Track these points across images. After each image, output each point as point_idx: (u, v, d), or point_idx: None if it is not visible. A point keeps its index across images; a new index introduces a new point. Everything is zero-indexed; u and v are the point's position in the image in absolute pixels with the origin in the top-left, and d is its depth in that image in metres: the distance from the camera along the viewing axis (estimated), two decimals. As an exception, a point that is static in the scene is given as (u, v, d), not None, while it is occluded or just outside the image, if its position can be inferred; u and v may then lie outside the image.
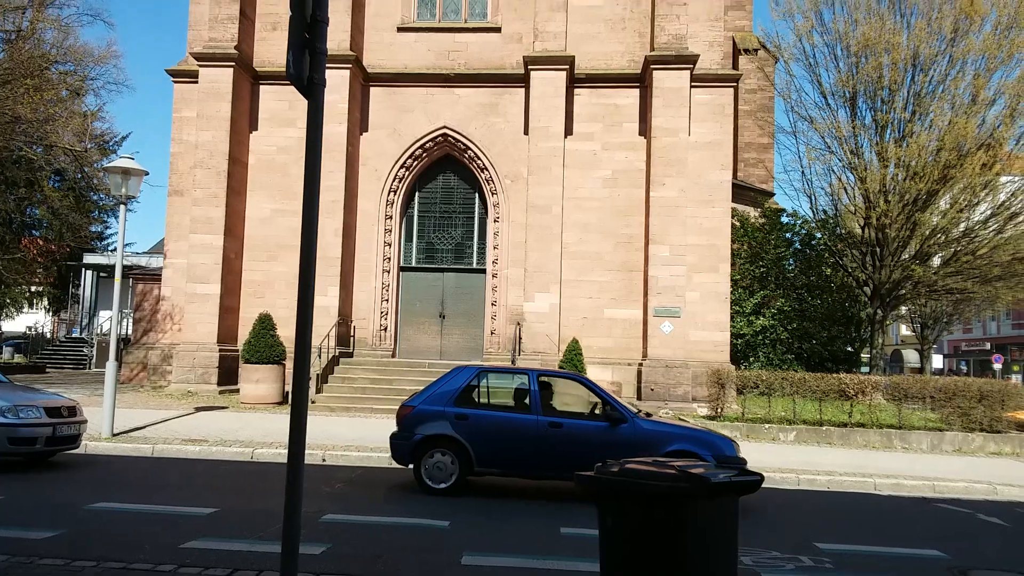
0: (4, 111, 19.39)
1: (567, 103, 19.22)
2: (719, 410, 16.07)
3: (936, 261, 23.13)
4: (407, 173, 20.43)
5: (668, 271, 18.22)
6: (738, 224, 23.90)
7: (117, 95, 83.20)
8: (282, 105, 20.25)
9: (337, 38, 18.96)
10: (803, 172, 23.98)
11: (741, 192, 25.72)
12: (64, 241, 32.52)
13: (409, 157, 20.26)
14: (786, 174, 27.52)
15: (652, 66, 18.64)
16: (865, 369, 25.89)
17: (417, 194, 20.95)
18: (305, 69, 4.06)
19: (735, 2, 27.72)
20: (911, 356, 49.26)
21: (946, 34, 20.79)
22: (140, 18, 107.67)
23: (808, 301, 23.68)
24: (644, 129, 19.31)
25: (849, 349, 25.40)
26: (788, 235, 25.76)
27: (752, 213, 25.90)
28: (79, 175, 29.19)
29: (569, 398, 10.38)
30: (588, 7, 19.83)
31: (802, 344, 23.29)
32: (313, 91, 4.11)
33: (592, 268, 19.28)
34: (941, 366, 53.73)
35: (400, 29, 20.45)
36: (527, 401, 9.24)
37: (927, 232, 21.80)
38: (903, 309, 35.93)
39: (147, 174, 12.87)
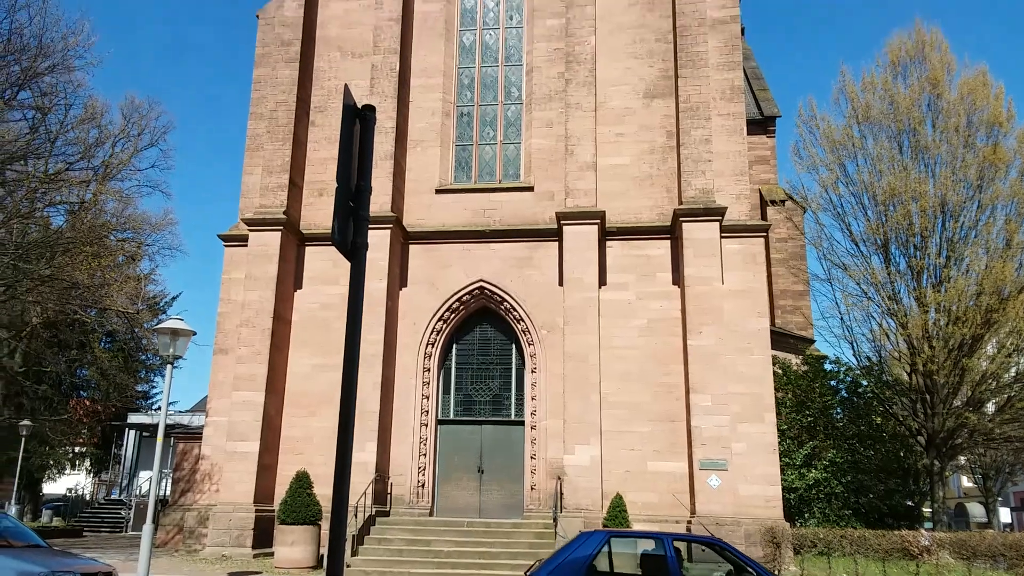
0: (63, 278, 20.41)
1: (600, 255, 19.66)
2: (777, 572, 15.11)
3: (990, 407, 22.29)
4: (445, 326, 20.75)
5: (712, 421, 17.80)
6: (780, 372, 23.51)
7: (171, 259, 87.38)
8: (326, 264, 21.04)
9: (380, 201, 19.94)
10: (842, 319, 23.75)
11: (780, 339, 25.49)
12: (110, 401, 33.09)
13: (447, 310, 20.65)
14: (824, 321, 27.30)
15: (681, 219, 19.15)
16: (928, 525, 24.36)
17: (455, 346, 21.16)
18: (349, 235, 4.27)
19: (759, 157, 28.76)
20: (976, 510, 46.34)
21: (972, 181, 21.15)
22: (195, 187, 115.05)
23: (860, 452, 22.71)
24: (677, 278, 19.55)
25: (909, 503, 24.05)
26: (833, 383, 25.18)
27: (794, 360, 25.52)
28: (129, 336, 30.16)
29: (703, 565, 9.83)
30: (616, 166, 20.71)
31: (858, 498, 22.13)
32: (356, 254, 4.30)
33: (633, 418, 18.93)
34: (1009, 520, 50.29)
35: (439, 191, 21.50)
36: (663, 569, 8.59)
37: (977, 378, 21.15)
38: (962, 459, 34.25)
39: (195, 334, 13.28)
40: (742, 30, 21.99)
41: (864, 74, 23.24)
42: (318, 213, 21.55)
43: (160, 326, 13.27)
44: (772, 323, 24.45)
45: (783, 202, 27.98)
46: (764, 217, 26.83)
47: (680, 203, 19.55)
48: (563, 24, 21.48)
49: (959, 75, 22.24)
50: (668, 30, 21.20)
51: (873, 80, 22.72)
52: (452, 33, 22.74)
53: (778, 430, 19.34)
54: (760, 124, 29.61)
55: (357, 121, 4.86)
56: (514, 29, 22.80)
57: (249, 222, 20.63)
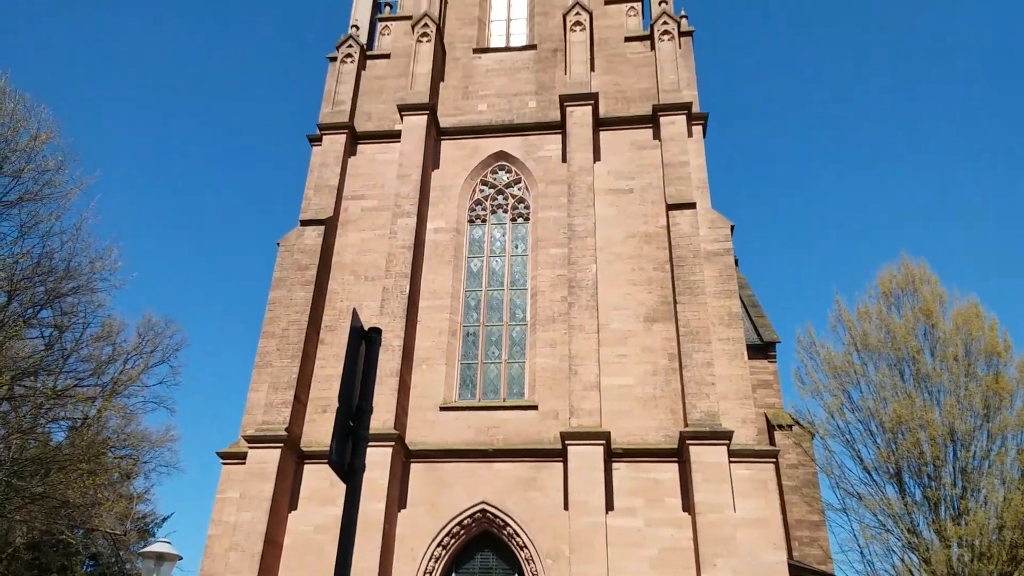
0: (55, 496, 19.86)
1: (606, 477, 19.13)
2: None
3: (1035, 656, 20.43)
4: (444, 552, 19.73)
5: (730, 667, 16.30)
6: (802, 611, 21.89)
7: (166, 477, 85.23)
8: (323, 483, 20.49)
9: (383, 418, 19.86)
10: (861, 552, 22.48)
11: (801, 574, 24.01)
12: (81, 634, 30.68)
13: (447, 535, 19.76)
14: (844, 554, 25.80)
15: (688, 441, 18.89)
16: None
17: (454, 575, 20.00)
18: (347, 456, 4.26)
19: (762, 381, 28.93)
20: None
21: (978, 410, 21.04)
22: (196, 403, 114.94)
23: None
24: (687, 504, 18.87)
25: None
26: (862, 624, 23.32)
27: (815, 598, 23.86)
28: (113, 559, 28.67)
29: None
30: (619, 386, 20.83)
31: None
32: (353, 476, 4.26)
33: (644, 664, 17.36)
34: None
35: (443, 408, 21.47)
36: None
37: (1016, 622, 19.65)
38: None
39: (180, 559, 12.70)
40: (735, 261, 23.12)
41: (858, 304, 24.05)
42: (320, 430, 21.39)
43: (146, 549, 12.73)
44: (789, 555, 23.18)
45: (790, 427, 27.69)
46: (772, 442, 26.42)
47: (686, 425, 19.40)
48: (565, 253, 22.69)
49: (951, 306, 22.97)
50: (665, 260, 22.31)
51: (868, 310, 23.45)
52: (460, 260, 23.97)
53: None
54: (760, 349, 30.11)
55: (363, 343, 5.01)
56: (519, 257, 24.05)
57: (250, 439, 20.43)
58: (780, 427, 27.43)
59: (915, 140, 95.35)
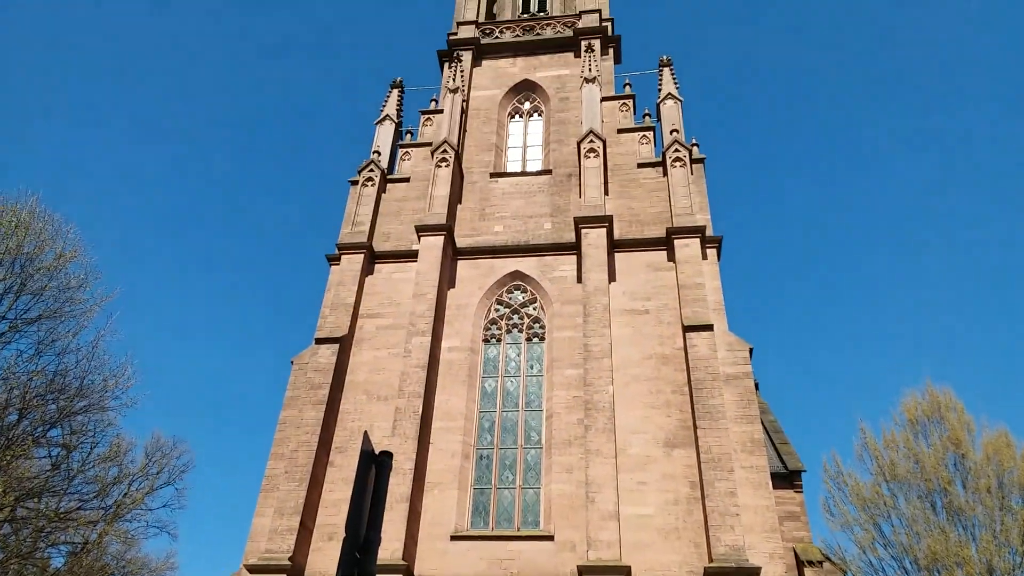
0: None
1: (626, 618, 17.99)
2: None
3: None
4: None
5: None
6: None
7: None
8: (326, 618, 19.39)
9: (391, 547, 18.96)
10: None
11: None
12: None
13: None
14: None
15: (714, 578, 17.85)
16: None
17: None
18: (350, 597, 3.90)
19: (789, 513, 27.67)
20: None
21: (1016, 547, 19.94)
22: (201, 527, 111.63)
23: None
24: (713, 648, 17.58)
25: None
26: None
27: None
28: None
29: None
30: (640, 516, 19.92)
31: None
32: (356, 620, 3.88)
33: None
34: None
35: (454, 537, 20.53)
36: None
37: None
38: None
39: None
40: (756, 385, 22.66)
41: (884, 431, 23.37)
42: (325, 559, 20.43)
43: None
44: None
45: (820, 563, 26.15)
46: (801, 579, 24.95)
47: (711, 560, 18.37)
48: (581, 374, 22.34)
49: (980, 435, 22.26)
50: (683, 383, 21.89)
51: (894, 438, 22.75)
52: (475, 380, 23.64)
53: None
54: (786, 478, 28.93)
55: (373, 467, 4.74)
56: (534, 378, 23.71)
57: (252, 568, 19.51)
58: (810, 563, 25.91)
59: (934, 260, 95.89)
